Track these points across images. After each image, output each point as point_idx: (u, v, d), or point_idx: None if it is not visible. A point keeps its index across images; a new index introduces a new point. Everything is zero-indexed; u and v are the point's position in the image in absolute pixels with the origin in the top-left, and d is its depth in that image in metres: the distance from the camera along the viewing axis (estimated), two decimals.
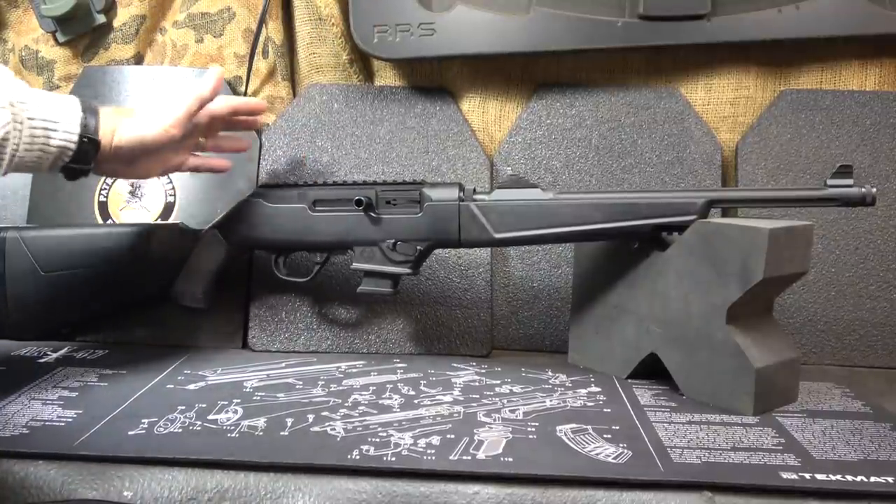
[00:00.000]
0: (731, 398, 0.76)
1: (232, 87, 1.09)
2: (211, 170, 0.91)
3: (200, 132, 0.86)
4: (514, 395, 0.80)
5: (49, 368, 0.85)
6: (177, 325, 0.98)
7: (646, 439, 0.69)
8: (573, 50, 1.00)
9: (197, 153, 0.89)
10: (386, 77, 1.09)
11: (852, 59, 1.02)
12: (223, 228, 0.91)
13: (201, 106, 0.83)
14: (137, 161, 0.80)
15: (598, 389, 0.82)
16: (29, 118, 0.69)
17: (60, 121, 0.71)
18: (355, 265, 0.90)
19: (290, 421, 0.72)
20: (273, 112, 1.10)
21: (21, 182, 1.06)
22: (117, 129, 0.76)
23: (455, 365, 0.90)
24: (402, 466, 0.63)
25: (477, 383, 0.83)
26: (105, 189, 1.04)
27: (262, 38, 1.08)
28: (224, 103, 0.87)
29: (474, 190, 0.87)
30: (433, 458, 0.64)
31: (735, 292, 0.74)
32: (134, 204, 1.04)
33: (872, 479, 0.62)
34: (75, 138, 0.72)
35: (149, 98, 1.08)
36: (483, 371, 0.88)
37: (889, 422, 0.74)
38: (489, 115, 1.07)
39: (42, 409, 0.73)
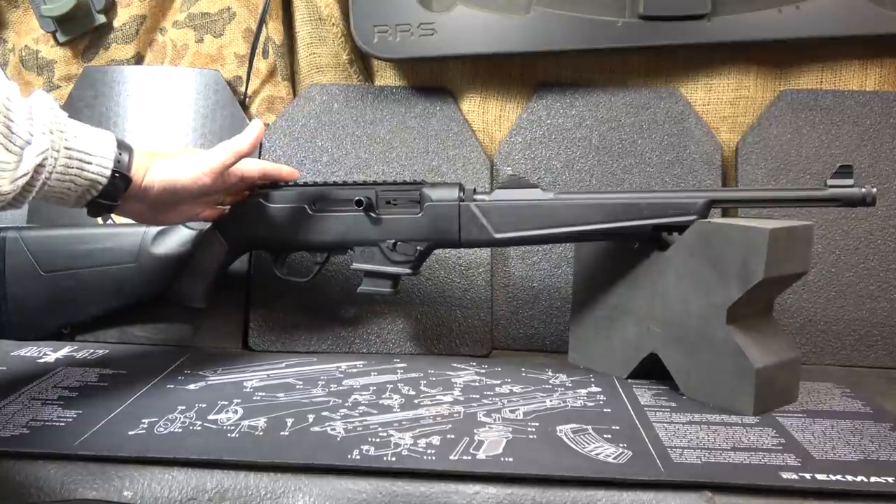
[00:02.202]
0: (731, 398, 0.76)
1: (232, 86, 1.09)
2: (216, 218, 0.89)
3: (227, 190, 0.85)
4: (514, 395, 0.80)
5: (49, 368, 0.85)
6: (177, 325, 0.98)
7: (646, 439, 0.69)
8: (573, 50, 1.00)
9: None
10: (386, 77, 1.09)
11: (852, 59, 1.02)
12: (223, 228, 0.91)
13: (238, 159, 0.81)
14: (162, 206, 0.79)
15: (598, 389, 0.82)
16: (66, 148, 0.69)
17: (95, 153, 0.71)
18: (355, 265, 0.90)
19: (290, 421, 0.72)
20: (273, 112, 1.10)
21: None
22: (150, 168, 0.76)
23: (455, 365, 0.90)
24: (402, 466, 0.63)
25: (477, 383, 0.83)
26: None
27: (262, 38, 1.08)
28: (256, 166, 0.86)
29: (474, 190, 0.87)
30: (433, 458, 0.64)
31: (735, 292, 0.74)
32: None
33: (872, 479, 0.62)
34: (108, 173, 0.72)
35: (149, 99, 1.08)
36: (483, 371, 0.88)
37: (889, 422, 0.74)
38: (489, 115, 1.07)
39: (42, 409, 0.73)
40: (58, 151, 0.68)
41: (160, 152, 0.79)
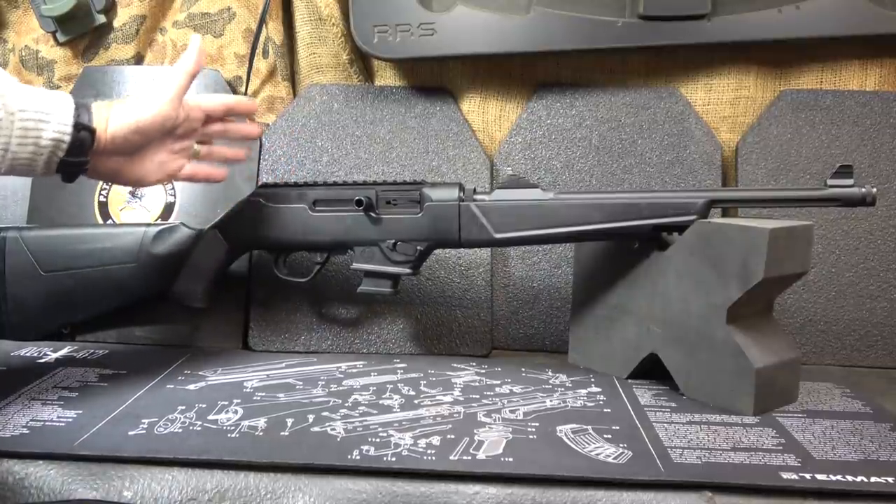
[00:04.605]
0: (731, 398, 0.76)
1: (232, 86, 1.09)
2: (208, 178, 0.86)
3: (195, 132, 0.83)
4: (514, 395, 0.80)
5: (49, 368, 0.85)
6: (177, 325, 0.98)
7: (646, 439, 0.69)
8: (573, 50, 1.00)
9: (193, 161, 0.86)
10: (386, 77, 1.09)
11: (852, 59, 1.02)
12: (223, 228, 0.91)
13: (189, 78, 0.79)
14: (135, 152, 0.77)
15: (598, 389, 0.82)
16: (20, 110, 0.67)
17: (53, 112, 0.69)
18: (355, 265, 0.90)
19: (290, 421, 0.72)
20: (273, 112, 1.10)
21: (21, 182, 1.06)
22: (110, 116, 0.74)
23: (455, 365, 0.90)
24: (402, 466, 0.63)
25: (477, 383, 0.83)
26: (105, 189, 1.04)
27: (262, 38, 1.08)
28: (218, 101, 0.84)
29: (474, 190, 0.87)
30: (433, 458, 0.64)
31: (735, 292, 0.74)
32: (134, 204, 1.04)
33: (872, 479, 0.62)
34: (69, 129, 0.70)
35: None
36: (483, 371, 0.88)
37: (889, 422, 0.74)
38: (489, 115, 1.07)
39: (42, 409, 0.73)
40: (12, 114, 0.67)
41: (114, 101, 0.77)
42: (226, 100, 0.85)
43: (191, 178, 0.85)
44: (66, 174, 0.73)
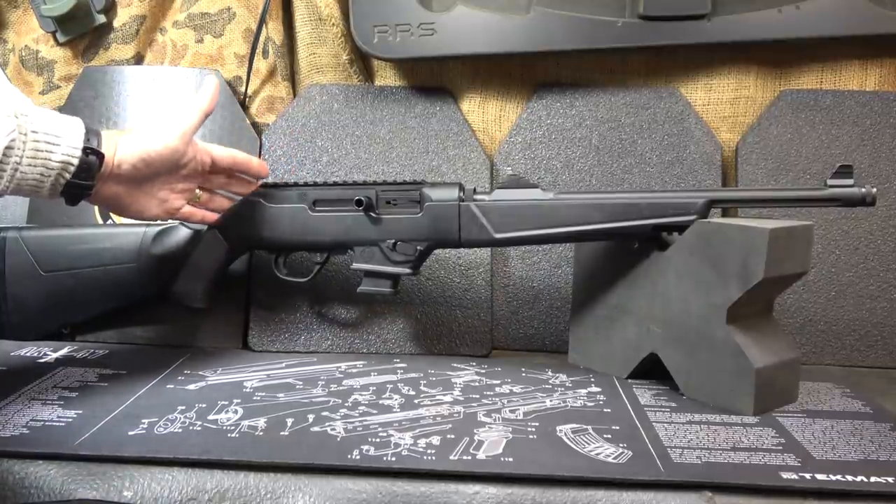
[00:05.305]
0: (731, 398, 0.76)
1: (232, 87, 1.09)
2: (202, 221, 0.88)
3: (200, 175, 0.84)
4: (514, 395, 0.80)
5: (49, 368, 0.85)
6: (177, 325, 0.98)
7: (646, 439, 0.69)
8: (573, 50, 1.00)
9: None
10: (386, 77, 1.09)
11: (852, 59, 1.02)
12: (223, 228, 0.91)
13: (203, 117, 0.81)
14: (139, 182, 0.78)
15: (598, 389, 0.82)
16: (33, 131, 0.68)
17: (64, 135, 0.70)
18: (355, 265, 0.90)
19: (290, 421, 0.72)
20: (273, 112, 1.10)
21: None
22: (119, 144, 0.75)
23: (455, 365, 0.90)
24: (402, 466, 0.63)
25: (477, 383, 0.83)
26: None
27: (262, 38, 1.08)
28: (227, 153, 0.85)
29: (474, 190, 0.87)
30: (433, 458, 0.64)
31: (735, 292, 0.74)
32: None
33: (872, 479, 0.62)
34: (78, 153, 0.71)
35: (149, 99, 1.08)
36: (483, 371, 0.88)
37: (889, 422, 0.74)
38: (489, 115, 1.07)
39: (42, 409, 0.73)
40: (25, 135, 0.67)
41: (124, 130, 0.78)
42: (235, 154, 0.86)
43: (187, 219, 0.86)
44: (69, 197, 0.74)
